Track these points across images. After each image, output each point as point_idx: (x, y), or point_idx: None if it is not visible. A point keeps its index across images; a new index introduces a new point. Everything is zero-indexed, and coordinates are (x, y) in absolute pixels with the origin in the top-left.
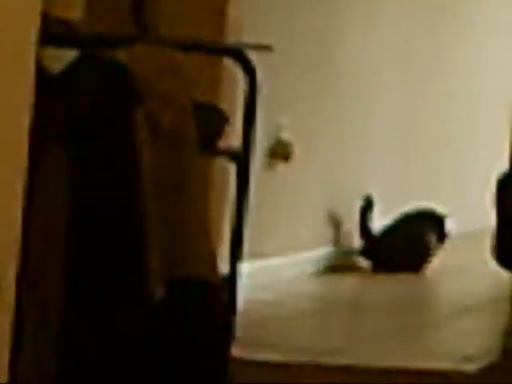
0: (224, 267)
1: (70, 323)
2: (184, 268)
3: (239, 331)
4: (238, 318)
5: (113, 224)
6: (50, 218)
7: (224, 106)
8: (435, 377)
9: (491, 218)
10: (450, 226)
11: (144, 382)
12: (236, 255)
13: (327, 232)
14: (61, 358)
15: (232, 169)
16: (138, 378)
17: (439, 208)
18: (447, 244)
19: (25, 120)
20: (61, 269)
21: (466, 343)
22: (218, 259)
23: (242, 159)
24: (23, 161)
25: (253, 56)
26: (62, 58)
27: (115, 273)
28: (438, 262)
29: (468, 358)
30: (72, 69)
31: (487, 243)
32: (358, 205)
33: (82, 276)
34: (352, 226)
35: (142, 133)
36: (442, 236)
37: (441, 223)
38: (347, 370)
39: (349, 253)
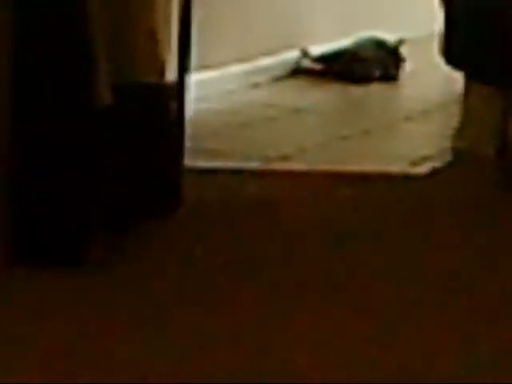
0: (172, 76)
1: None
2: (131, 74)
3: (189, 141)
4: (188, 128)
5: (58, 31)
6: None
7: None
8: (385, 180)
9: (439, 23)
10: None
11: (94, 191)
12: (183, 63)
13: (276, 41)
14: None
15: None
16: (88, 186)
17: (387, 35)
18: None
19: None
20: (10, 68)
21: (417, 147)
22: (166, 67)
23: None
24: None
25: None
26: None
27: (63, 78)
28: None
29: (418, 161)
30: None
31: (436, 47)
32: (306, 12)
33: (30, 81)
34: (300, 36)
35: None
36: (397, 62)
37: (394, 51)
38: (298, 174)
39: (300, 61)
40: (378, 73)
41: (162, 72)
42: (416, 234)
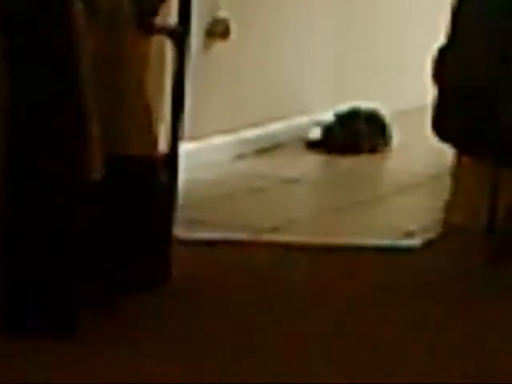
0: (164, 147)
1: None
2: (124, 147)
3: (180, 211)
4: (179, 198)
5: (54, 104)
6: None
7: None
8: (377, 252)
9: (430, 96)
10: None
11: (86, 263)
12: (176, 135)
13: (267, 112)
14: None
15: (170, 48)
16: (81, 256)
17: (378, 106)
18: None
19: None
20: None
21: (408, 219)
22: (158, 139)
23: (179, 35)
24: None
25: None
26: None
27: (57, 152)
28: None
29: (410, 234)
30: None
31: (428, 121)
32: (297, 83)
33: (24, 153)
34: (292, 105)
35: (79, 13)
36: (385, 136)
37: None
38: (287, 246)
39: (289, 132)
40: (367, 145)
41: (154, 145)
42: (405, 307)
